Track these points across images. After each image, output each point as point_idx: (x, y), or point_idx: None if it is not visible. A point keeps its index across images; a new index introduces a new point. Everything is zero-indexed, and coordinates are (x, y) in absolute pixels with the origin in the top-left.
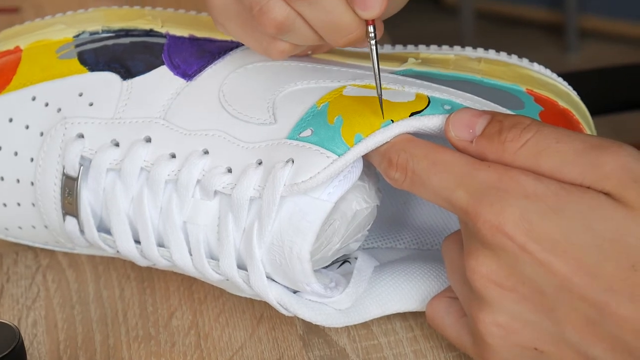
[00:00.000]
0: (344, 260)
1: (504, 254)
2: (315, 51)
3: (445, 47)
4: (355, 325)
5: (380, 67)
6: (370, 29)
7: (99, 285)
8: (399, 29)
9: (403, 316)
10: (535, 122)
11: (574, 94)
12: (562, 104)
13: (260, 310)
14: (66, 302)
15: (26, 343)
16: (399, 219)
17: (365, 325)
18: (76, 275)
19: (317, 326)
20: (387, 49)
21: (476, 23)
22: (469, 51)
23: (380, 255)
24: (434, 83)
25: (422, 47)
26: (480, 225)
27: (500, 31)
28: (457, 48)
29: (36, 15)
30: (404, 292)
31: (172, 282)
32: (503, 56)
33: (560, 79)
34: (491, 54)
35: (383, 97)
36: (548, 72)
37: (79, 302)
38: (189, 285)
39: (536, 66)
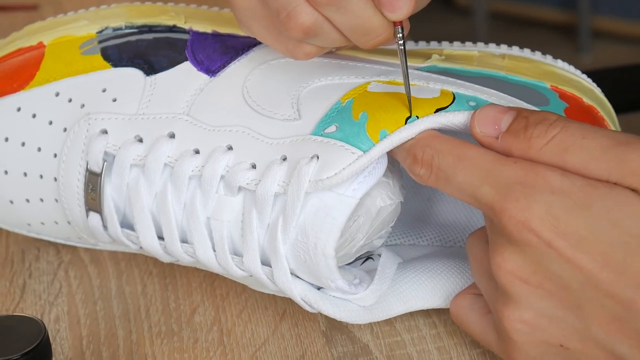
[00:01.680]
0: (367, 257)
1: (530, 249)
2: (339, 48)
3: (468, 44)
4: (378, 322)
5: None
6: (399, 29)
7: (121, 281)
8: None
9: (426, 313)
10: (561, 119)
11: (598, 91)
12: (586, 100)
13: (282, 307)
14: (88, 298)
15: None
16: (422, 216)
17: (389, 321)
18: (98, 271)
19: (340, 322)
20: (410, 45)
21: (489, 23)
22: (492, 48)
23: (404, 252)
24: (458, 79)
25: (445, 44)
26: (506, 221)
27: (513, 32)
28: (480, 45)
29: (54, 11)
30: (427, 289)
31: (195, 279)
32: (527, 52)
33: (584, 76)
34: (515, 50)
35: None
36: (572, 68)
37: (102, 297)
38: (211, 282)
39: (560, 63)
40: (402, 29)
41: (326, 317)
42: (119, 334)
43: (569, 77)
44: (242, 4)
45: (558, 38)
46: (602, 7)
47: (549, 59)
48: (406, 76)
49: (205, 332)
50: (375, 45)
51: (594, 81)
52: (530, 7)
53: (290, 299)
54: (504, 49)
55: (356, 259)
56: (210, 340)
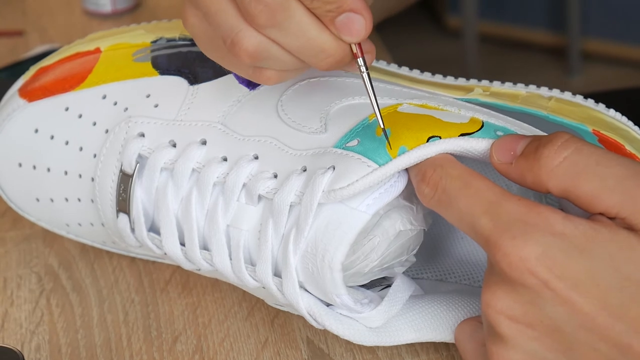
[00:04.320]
0: (387, 284)
1: (523, 289)
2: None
3: (520, 85)
4: (360, 349)
5: (443, 94)
6: (358, 52)
7: (103, 309)
8: (402, 52)
9: None
10: (574, 139)
11: None
12: (629, 148)
13: (265, 335)
14: (70, 327)
15: None
16: (452, 253)
17: (371, 349)
18: (80, 299)
19: (321, 351)
20: (450, 79)
21: (479, 46)
22: (543, 90)
23: (428, 286)
24: (494, 111)
25: (496, 83)
26: (500, 257)
27: (504, 54)
28: (532, 87)
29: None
30: (441, 320)
31: (177, 306)
32: (578, 98)
33: (636, 127)
34: (566, 95)
35: (436, 116)
36: (624, 119)
37: (83, 326)
38: (194, 309)
39: (612, 112)
40: (361, 50)
41: (308, 346)
42: None
43: (616, 124)
44: (199, 35)
45: (548, 60)
46: (592, 30)
47: (600, 106)
48: (373, 98)
49: None
50: (331, 66)
51: None
52: (521, 29)
53: (271, 327)
54: (555, 92)
55: (374, 284)
56: None
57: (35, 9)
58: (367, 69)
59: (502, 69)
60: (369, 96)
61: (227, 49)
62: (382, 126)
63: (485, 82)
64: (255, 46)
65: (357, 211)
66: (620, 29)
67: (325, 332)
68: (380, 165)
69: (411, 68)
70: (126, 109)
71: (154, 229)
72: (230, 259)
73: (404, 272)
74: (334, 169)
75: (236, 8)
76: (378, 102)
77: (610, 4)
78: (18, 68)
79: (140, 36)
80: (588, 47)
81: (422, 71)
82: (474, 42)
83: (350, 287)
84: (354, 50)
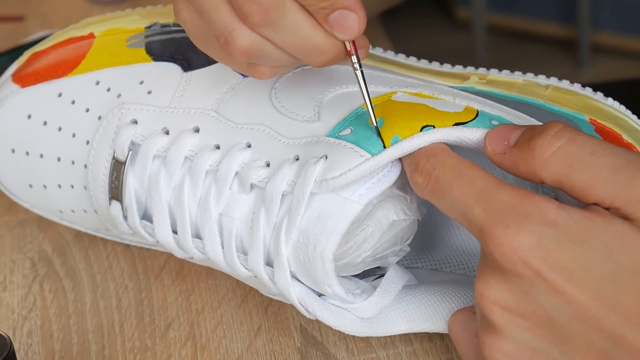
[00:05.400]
0: (381, 274)
1: (516, 279)
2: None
3: (517, 73)
4: (353, 337)
5: (438, 82)
6: (349, 45)
7: (96, 295)
8: (411, 44)
9: None
10: (568, 128)
11: None
12: (626, 138)
13: (258, 323)
14: (62, 312)
15: (21, 353)
16: (447, 242)
17: (364, 338)
18: (73, 285)
19: (314, 339)
20: (446, 67)
21: (488, 38)
22: (540, 78)
23: (423, 276)
24: (489, 100)
25: (493, 71)
26: (493, 247)
27: (513, 46)
28: (529, 75)
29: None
30: (435, 311)
31: (170, 293)
32: (576, 87)
33: (634, 117)
34: (564, 83)
35: (430, 105)
36: (622, 108)
37: (75, 312)
38: (187, 296)
39: (610, 101)
40: (354, 47)
41: (301, 334)
42: (92, 348)
43: (614, 114)
44: (192, 30)
45: (558, 53)
46: (602, 22)
47: (598, 95)
48: (366, 95)
49: (179, 347)
50: (325, 63)
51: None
52: (530, 21)
53: (265, 314)
54: (552, 80)
55: (367, 274)
56: (184, 356)
57: None
58: (360, 66)
59: (512, 61)
60: (362, 94)
61: (221, 47)
62: (374, 124)
63: (482, 70)
64: (249, 45)
65: (349, 201)
66: (630, 21)
67: (319, 321)
68: (372, 155)
69: (418, 58)
70: (119, 95)
71: (146, 216)
72: (223, 248)
73: (398, 262)
74: (326, 158)
75: (230, 5)
76: (370, 95)
77: None
78: (17, 53)
79: (135, 21)
80: (598, 39)
81: (418, 59)
82: (483, 34)
83: (342, 277)
84: (348, 48)
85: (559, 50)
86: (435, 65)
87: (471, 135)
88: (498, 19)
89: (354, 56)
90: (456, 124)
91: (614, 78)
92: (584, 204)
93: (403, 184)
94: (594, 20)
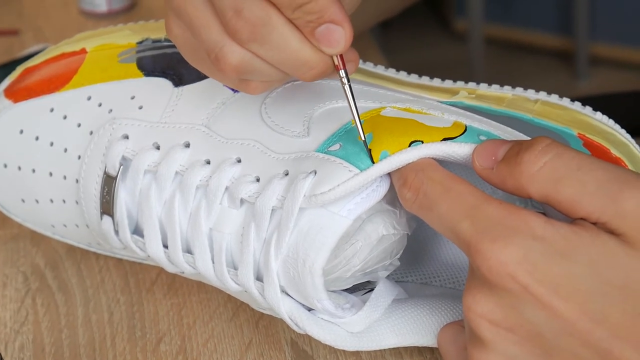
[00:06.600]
0: (371, 288)
1: (504, 293)
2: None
3: (507, 87)
4: (344, 352)
5: (428, 97)
6: (336, 60)
7: (88, 309)
8: (409, 55)
9: None
10: (555, 144)
11: (634, 147)
12: (614, 152)
13: (249, 337)
14: (54, 326)
15: None
16: (437, 256)
17: (355, 352)
18: (66, 299)
19: (305, 353)
20: (436, 82)
21: (486, 49)
22: (530, 93)
23: (412, 290)
24: (478, 116)
25: (482, 85)
26: (480, 261)
27: (510, 58)
28: (518, 89)
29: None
30: (424, 325)
31: (162, 307)
32: (565, 101)
33: (623, 131)
34: (553, 97)
35: (418, 120)
36: (611, 122)
37: (67, 326)
38: (179, 310)
39: (598, 115)
40: (342, 61)
41: (292, 348)
42: None
43: (602, 128)
44: (183, 46)
45: (555, 64)
46: (599, 34)
47: (587, 109)
48: (354, 110)
49: None
50: (315, 77)
51: (593, 107)
52: (528, 33)
53: (256, 328)
54: (541, 95)
55: (357, 288)
56: None
57: (32, 9)
58: (348, 80)
59: (509, 72)
60: (351, 109)
61: (212, 63)
62: (363, 139)
63: (471, 85)
64: (239, 61)
65: (338, 216)
66: (628, 33)
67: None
68: (361, 170)
69: (419, 73)
70: (111, 110)
71: (137, 231)
72: (213, 263)
73: (388, 276)
74: (315, 173)
75: (219, 23)
76: (358, 109)
77: (618, 8)
78: (11, 67)
79: (126, 37)
80: (596, 51)
81: (409, 73)
82: (480, 46)
83: (332, 291)
84: (336, 62)
85: (556, 61)
86: (425, 80)
87: (459, 150)
88: (495, 30)
89: (342, 70)
90: (444, 139)
91: (611, 90)
92: (572, 219)
93: (392, 198)
94: (591, 31)
